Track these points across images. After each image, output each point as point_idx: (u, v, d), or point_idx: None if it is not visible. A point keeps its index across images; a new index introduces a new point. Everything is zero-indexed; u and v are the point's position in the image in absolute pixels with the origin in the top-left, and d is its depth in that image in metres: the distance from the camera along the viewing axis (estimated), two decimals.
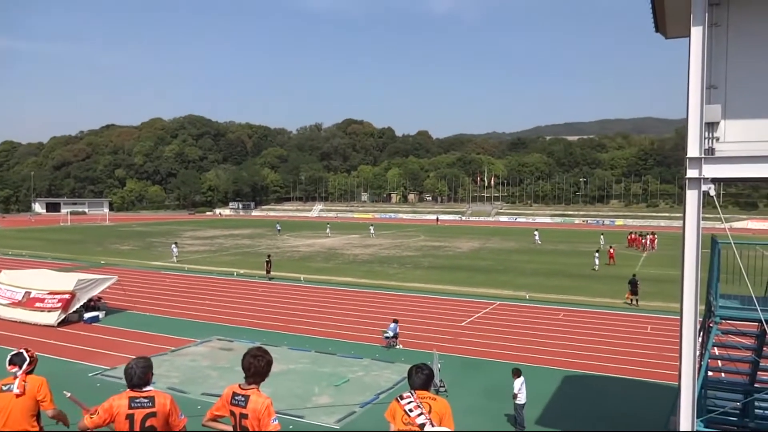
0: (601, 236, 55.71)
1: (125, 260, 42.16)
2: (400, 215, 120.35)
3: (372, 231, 67.64)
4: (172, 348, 18.87)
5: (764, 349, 9.64)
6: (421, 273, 36.48)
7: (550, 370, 16.89)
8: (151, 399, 4.95)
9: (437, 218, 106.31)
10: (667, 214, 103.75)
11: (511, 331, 21.59)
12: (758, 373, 10.18)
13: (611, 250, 42.68)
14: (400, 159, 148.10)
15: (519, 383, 13.11)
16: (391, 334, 19.22)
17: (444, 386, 14.86)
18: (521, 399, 13.04)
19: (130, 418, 4.86)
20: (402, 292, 29.51)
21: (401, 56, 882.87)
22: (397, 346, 19.19)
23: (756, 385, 10.25)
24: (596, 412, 13.94)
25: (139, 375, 5.00)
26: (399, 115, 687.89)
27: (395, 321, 19.73)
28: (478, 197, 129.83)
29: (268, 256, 35.82)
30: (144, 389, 4.99)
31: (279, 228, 71.13)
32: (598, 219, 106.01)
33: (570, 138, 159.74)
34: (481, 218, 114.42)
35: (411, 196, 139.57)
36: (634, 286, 27.00)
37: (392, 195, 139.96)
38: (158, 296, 28.25)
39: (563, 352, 18.82)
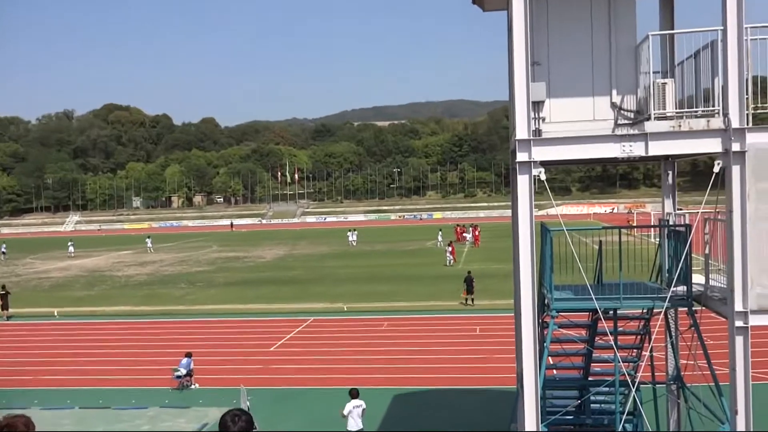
0: (440, 232, 59.22)
1: None
2: (185, 222, 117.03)
3: (149, 244, 64.91)
4: None
5: (596, 339, 10.79)
6: (216, 292, 35.54)
7: (377, 390, 17.34)
8: None
9: (231, 223, 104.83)
10: (485, 204, 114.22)
11: (330, 351, 21.87)
12: (591, 365, 11.41)
13: (451, 247, 45.78)
14: (181, 153, 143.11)
15: (350, 406, 13.33)
16: (183, 371, 18.42)
17: (256, 428, 14.44)
18: (351, 425, 13.20)
19: None
20: (194, 318, 28.62)
21: (176, 32, 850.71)
22: (193, 386, 18.47)
23: (590, 379, 11.49)
24: (433, 430, 14.63)
25: None
26: (176, 99, 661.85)
27: (188, 355, 18.96)
28: (280, 195, 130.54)
29: (2, 287, 31.90)
30: None
31: (5, 250, 63.14)
32: (415, 213, 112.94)
33: (380, 123, 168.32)
34: (285, 220, 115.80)
35: (197, 199, 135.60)
36: (469, 284, 28.97)
37: (173, 198, 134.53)
38: None
39: (390, 368, 19.55)
